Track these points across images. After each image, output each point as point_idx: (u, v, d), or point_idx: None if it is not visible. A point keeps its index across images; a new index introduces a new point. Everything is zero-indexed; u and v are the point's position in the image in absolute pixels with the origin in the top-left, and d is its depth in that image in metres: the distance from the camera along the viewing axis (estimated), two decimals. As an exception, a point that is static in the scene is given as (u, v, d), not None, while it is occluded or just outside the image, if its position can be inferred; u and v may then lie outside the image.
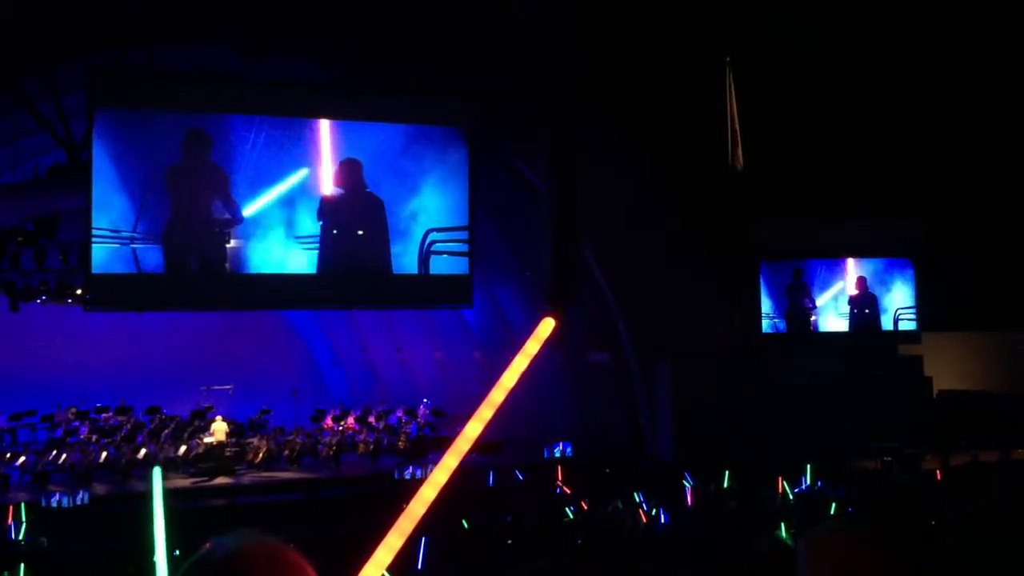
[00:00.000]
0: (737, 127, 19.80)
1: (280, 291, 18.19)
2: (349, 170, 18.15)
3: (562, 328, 3.50)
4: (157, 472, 4.40)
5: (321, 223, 17.90)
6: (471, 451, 3.37)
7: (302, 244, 17.75)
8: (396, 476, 17.18)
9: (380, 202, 18.45)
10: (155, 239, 16.73)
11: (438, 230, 18.82)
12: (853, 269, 21.83)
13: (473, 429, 3.21)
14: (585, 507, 13.78)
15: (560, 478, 16.57)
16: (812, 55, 19.46)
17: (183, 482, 17.07)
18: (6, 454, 17.36)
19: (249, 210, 17.41)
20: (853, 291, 21.73)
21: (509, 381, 3.30)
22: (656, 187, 19.67)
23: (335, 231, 18.08)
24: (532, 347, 3.33)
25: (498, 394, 3.26)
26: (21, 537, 13.28)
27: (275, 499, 16.43)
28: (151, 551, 3.78)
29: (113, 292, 17.04)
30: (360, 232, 18.38)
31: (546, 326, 3.39)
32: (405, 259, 18.62)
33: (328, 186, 18.02)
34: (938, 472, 16.20)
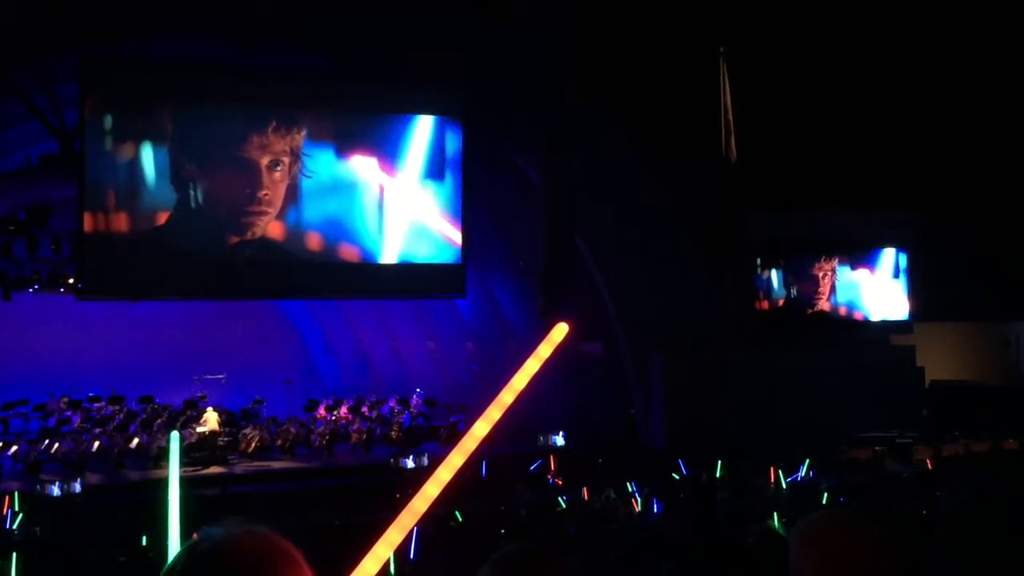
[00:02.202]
0: (731, 118, 19.77)
1: (274, 281, 18.21)
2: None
3: (553, 323, 3.49)
4: (175, 436, 4.42)
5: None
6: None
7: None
8: (390, 465, 17.19)
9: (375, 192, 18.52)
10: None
11: (427, 218, 18.93)
12: (847, 259, 21.88)
13: (481, 429, 3.18)
14: (587, 495, 13.84)
15: (553, 468, 16.60)
16: (808, 46, 19.45)
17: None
18: (-2, 443, 17.34)
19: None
20: (846, 281, 21.77)
21: (520, 383, 3.27)
22: (651, 178, 19.66)
23: (327, 219, 18.15)
24: (544, 351, 3.31)
25: (508, 395, 3.24)
26: (14, 527, 13.27)
27: (268, 488, 16.42)
28: (161, 526, 3.79)
29: (105, 281, 17.05)
30: (353, 222, 18.45)
31: (559, 331, 3.36)
32: (395, 248, 18.69)
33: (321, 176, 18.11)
34: (929, 462, 16.29)
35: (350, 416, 19.62)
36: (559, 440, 19.14)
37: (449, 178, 19.08)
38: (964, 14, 19.35)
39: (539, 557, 2.29)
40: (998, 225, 20.65)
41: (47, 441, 17.13)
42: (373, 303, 22.10)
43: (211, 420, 17.93)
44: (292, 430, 18.81)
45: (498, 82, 18.39)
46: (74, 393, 18.78)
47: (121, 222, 16.93)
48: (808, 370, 19.11)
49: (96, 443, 17.36)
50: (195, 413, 18.60)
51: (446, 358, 22.35)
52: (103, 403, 18.86)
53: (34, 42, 15.88)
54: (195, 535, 1.95)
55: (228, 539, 1.90)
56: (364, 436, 19.11)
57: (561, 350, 3.51)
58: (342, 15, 17.24)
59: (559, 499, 13.88)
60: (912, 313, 21.87)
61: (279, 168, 17.86)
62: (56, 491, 15.01)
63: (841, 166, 20.00)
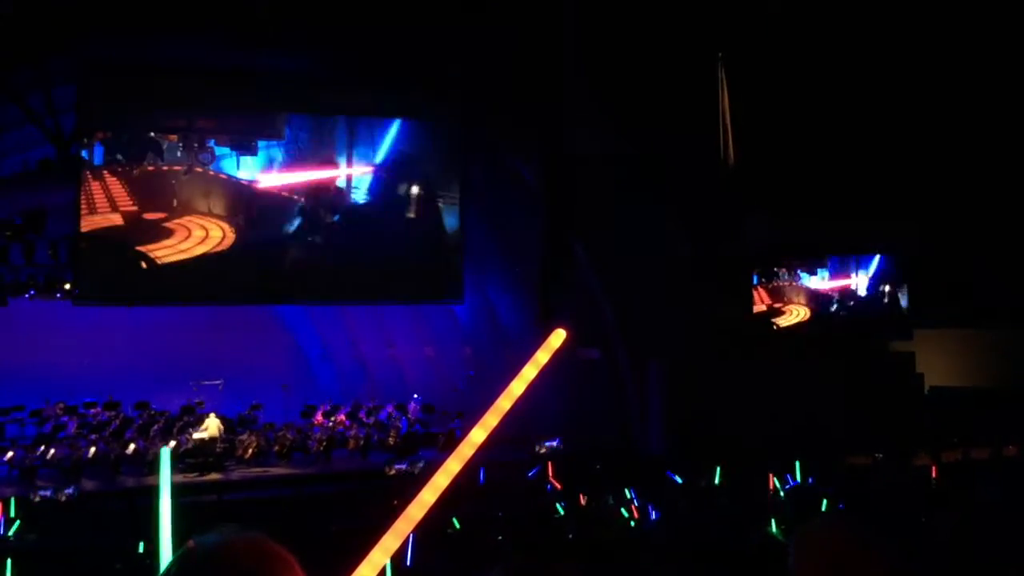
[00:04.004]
0: (729, 124, 19.78)
1: (271, 286, 18.23)
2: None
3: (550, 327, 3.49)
4: (165, 452, 4.40)
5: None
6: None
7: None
8: (386, 472, 17.17)
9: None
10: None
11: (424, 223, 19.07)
12: (848, 266, 21.93)
13: (478, 435, 3.16)
14: (583, 501, 13.82)
15: (551, 474, 16.57)
16: (809, 53, 19.45)
17: (173, 478, 17.01)
18: (-6, 449, 17.32)
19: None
20: (850, 287, 21.83)
21: (517, 389, 3.26)
22: (649, 183, 19.65)
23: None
24: (542, 357, 3.29)
25: (505, 402, 3.22)
26: (9, 533, 13.23)
27: (265, 495, 16.39)
28: (154, 540, 3.78)
29: (102, 287, 17.06)
30: (351, 226, 18.53)
31: (557, 337, 3.35)
32: (393, 253, 18.77)
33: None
34: (930, 469, 16.25)
35: (347, 422, 19.60)
36: (557, 446, 19.12)
37: (445, 183, 19.09)
38: (964, 20, 19.36)
39: (548, 565, 2.28)
40: (997, 232, 20.66)
41: (43, 447, 17.10)
42: (370, 309, 22.10)
43: (212, 426, 17.91)
44: (289, 436, 18.79)
45: (496, 86, 18.39)
46: (70, 399, 18.76)
47: (118, 227, 16.99)
48: (807, 376, 19.10)
49: (92, 449, 17.33)
50: (192, 419, 18.58)
51: (444, 364, 22.34)
52: (99, 409, 18.83)
53: (30, 45, 15.88)
54: (190, 542, 1.94)
55: (223, 545, 1.90)
56: (361, 442, 19.09)
57: (559, 356, 3.50)
58: (336, 20, 17.24)
59: (557, 505, 13.85)
60: (911, 319, 21.90)
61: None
62: (52, 497, 14.98)
63: (841, 172, 20.00)
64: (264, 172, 18.08)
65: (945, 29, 19.37)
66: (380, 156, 18.79)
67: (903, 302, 21.95)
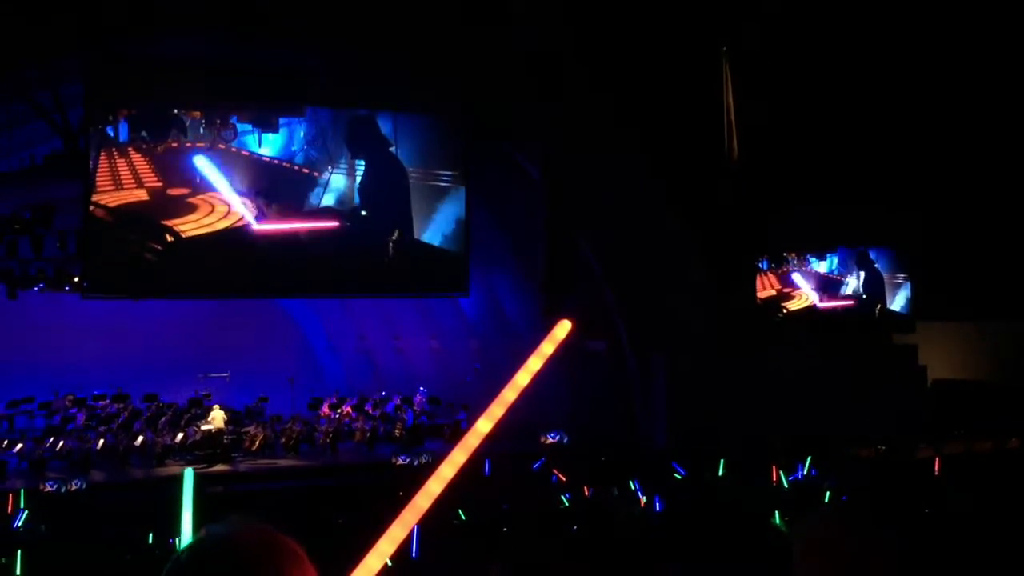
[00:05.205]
0: (733, 118, 19.75)
1: (279, 279, 18.28)
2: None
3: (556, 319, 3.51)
4: (189, 473, 4.48)
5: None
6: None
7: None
8: (393, 464, 17.22)
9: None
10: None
11: (430, 216, 19.04)
12: (853, 257, 21.94)
13: (483, 426, 3.18)
14: (590, 493, 13.87)
15: (555, 466, 16.60)
16: (811, 46, 19.40)
17: (180, 469, 17.10)
18: (3, 441, 17.38)
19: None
20: (856, 279, 21.83)
21: (523, 380, 3.27)
22: (654, 177, 19.64)
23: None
24: (547, 348, 3.31)
25: (511, 393, 3.24)
26: (19, 524, 13.31)
27: (272, 486, 16.46)
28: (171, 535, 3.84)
29: (110, 280, 17.13)
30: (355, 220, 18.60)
31: (562, 328, 3.37)
32: (399, 247, 18.78)
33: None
34: (932, 461, 16.28)
35: (354, 414, 19.66)
36: (562, 438, 19.16)
37: (451, 177, 19.11)
38: (964, 11, 19.30)
39: (552, 559, 2.33)
40: (1001, 223, 20.62)
41: (52, 439, 17.20)
42: (376, 302, 22.13)
43: (217, 418, 17.99)
44: (296, 428, 18.86)
45: (500, 81, 18.39)
46: (79, 391, 18.84)
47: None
48: (811, 368, 19.10)
49: (101, 441, 17.43)
50: (200, 411, 18.65)
51: (450, 356, 22.36)
52: (108, 401, 18.92)
53: (38, 42, 15.92)
54: (202, 531, 1.96)
55: (231, 536, 1.92)
56: (368, 434, 19.16)
57: (565, 348, 3.52)
58: (340, 14, 17.25)
59: (562, 497, 13.90)
60: (914, 312, 21.87)
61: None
62: (61, 489, 15.07)
63: (844, 165, 19.96)
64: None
65: (948, 21, 19.31)
66: (388, 150, 18.81)
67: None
